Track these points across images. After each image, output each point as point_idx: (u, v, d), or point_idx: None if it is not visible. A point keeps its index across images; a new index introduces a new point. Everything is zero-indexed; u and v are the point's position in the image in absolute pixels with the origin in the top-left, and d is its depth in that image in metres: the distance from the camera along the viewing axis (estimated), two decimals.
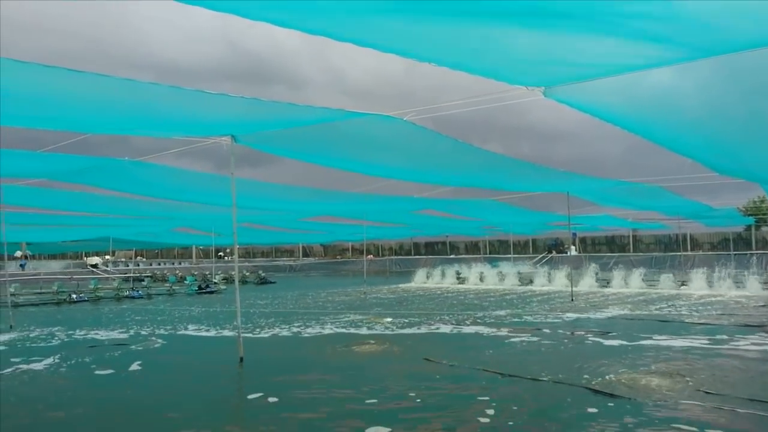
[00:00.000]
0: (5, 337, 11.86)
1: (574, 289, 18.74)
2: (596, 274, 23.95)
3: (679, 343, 9.50)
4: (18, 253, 42.79)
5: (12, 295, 17.02)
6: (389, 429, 5.14)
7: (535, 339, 10.29)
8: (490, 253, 44.62)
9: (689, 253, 33.88)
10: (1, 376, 7.90)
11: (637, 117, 8.08)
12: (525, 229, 35.97)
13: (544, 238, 43.84)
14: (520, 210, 21.95)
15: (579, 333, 10.93)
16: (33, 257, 46.55)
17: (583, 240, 43.39)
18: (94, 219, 21.42)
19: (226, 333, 11.77)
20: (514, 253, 36.42)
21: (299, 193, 14.82)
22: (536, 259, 36.97)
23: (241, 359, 8.52)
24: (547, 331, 11.23)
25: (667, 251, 36.51)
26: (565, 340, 10.15)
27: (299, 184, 14.57)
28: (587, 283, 23.11)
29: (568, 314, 14.07)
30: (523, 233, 41.19)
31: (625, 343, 9.59)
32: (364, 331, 11.67)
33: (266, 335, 11.45)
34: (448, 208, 20.83)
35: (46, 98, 5.78)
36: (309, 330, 11.98)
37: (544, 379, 7.04)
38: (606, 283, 22.99)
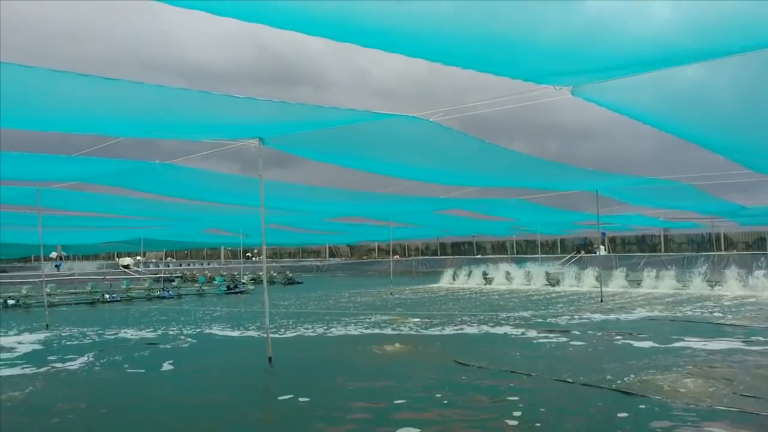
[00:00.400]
0: (41, 335, 12.19)
1: (603, 289, 18.47)
2: (626, 274, 23.56)
3: (712, 345, 9.30)
4: (53, 254, 43.91)
5: (48, 295, 17.47)
6: (419, 430, 5.14)
7: (563, 340, 10.19)
8: (517, 253, 44.25)
9: (723, 252, 33.11)
10: (38, 375, 8.12)
11: (668, 114, 7.94)
12: (553, 228, 35.54)
13: (573, 237, 43.29)
14: (547, 209, 21.72)
15: (608, 334, 10.79)
16: (68, 258, 47.70)
17: (612, 240, 42.70)
18: (126, 221, 21.87)
19: (254, 333, 11.91)
20: (541, 253, 36.08)
21: (326, 195, 14.91)
22: (564, 259, 36.53)
23: (270, 359, 8.61)
24: (576, 332, 11.10)
25: (699, 251, 35.69)
26: (594, 342, 10.03)
27: (325, 184, 14.66)
28: (617, 283, 22.76)
29: (598, 315, 13.89)
30: (550, 233, 40.72)
31: (656, 344, 9.44)
32: (390, 331, 11.70)
33: (293, 335, 11.55)
34: (475, 208, 20.72)
35: (80, 104, 5.94)
36: (336, 330, 12.05)
37: (573, 380, 6.97)
38: (636, 283, 22.61)
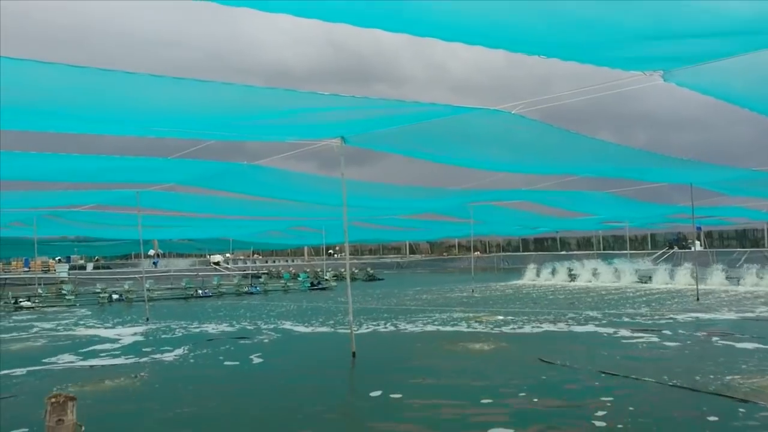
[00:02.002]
0: (143, 328, 13.03)
1: (699, 287, 17.41)
2: (725, 271, 22.07)
3: None
4: (151, 252, 46.80)
5: (147, 290, 18.64)
6: (511, 431, 5.05)
7: (655, 340, 9.70)
8: (604, 249, 42.54)
9: None
10: (141, 364, 8.68)
11: None
12: (643, 223, 33.86)
13: (664, 232, 41.09)
14: (636, 203, 20.69)
15: (705, 334, 10.17)
16: (164, 255, 50.64)
17: (709, 234, 40.07)
18: (216, 221, 22.95)
19: (336, 329, 12.15)
20: (630, 249, 34.48)
21: (406, 192, 14.97)
22: (656, 255, 34.75)
23: (354, 354, 8.76)
24: (669, 332, 10.54)
25: None
26: (689, 342, 9.48)
27: (404, 180, 14.74)
28: (715, 280, 21.37)
29: (693, 314, 13.11)
30: (640, 227, 38.82)
31: (759, 345, 8.79)
32: (473, 328, 11.58)
33: (375, 331, 11.69)
34: (558, 203, 20.08)
35: (172, 108, 6.29)
36: (418, 326, 12.08)
37: (664, 382, 6.62)
38: (736, 281, 21.13)
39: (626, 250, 33.23)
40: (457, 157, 10.75)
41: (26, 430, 5.19)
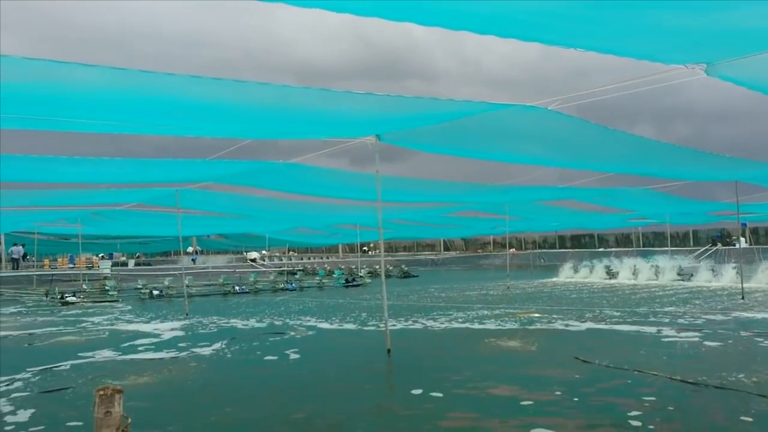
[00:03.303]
0: (183, 323, 13.33)
1: (744, 285, 16.88)
2: None
3: None
4: (190, 249, 47.80)
5: (187, 286, 19.05)
6: (553, 431, 4.98)
7: (697, 339, 9.45)
8: (643, 246, 41.62)
9: None
10: (181, 359, 8.88)
11: None
12: (684, 219, 32.96)
13: (707, 229, 39.94)
14: (677, 199, 20.17)
15: (749, 334, 9.85)
16: (202, 252, 51.68)
17: (755, 230, 38.73)
18: (253, 219, 23.34)
19: (372, 325, 12.20)
20: (671, 246, 33.60)
21: (440, 188, 14.92)
22: (698, 252, 33.81)
23: (389, 351, 8.80)
24: (709, 331, 10.26)
25: None
26: (731, 341, 9.19)
27: (437, 177, 14.67)
28: (761, 279, 20.66)
29: (737, 313, 12.73)
30: (681, 223, 37.80)
31: None
32: (509, 325, 11.49)
33: (410, 327, 11.70)
34: (595, 200, 19.73)
35: (209, 108, 6.42)
36: (452, 323, 12.04)
37: (704, 382, 6.45)
38: None
39: (667, 246, 32.35)
40: (492, 153, 10.67)
41: (80, 423, 5.36)
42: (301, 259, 53.07)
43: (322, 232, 32.87)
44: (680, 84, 7.26)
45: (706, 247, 34.89)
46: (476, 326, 11.60)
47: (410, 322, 12.40)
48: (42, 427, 5.34)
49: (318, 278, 26.77)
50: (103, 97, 5.89)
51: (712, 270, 22.76)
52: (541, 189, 15.81)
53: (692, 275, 23.09)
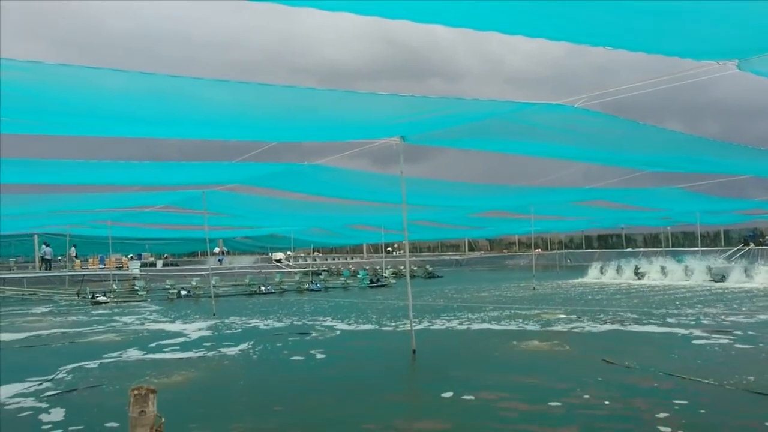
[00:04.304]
0: (210, 323, 13.49)
1: None
2: None
3: None
4: (216, 250, 48.38)
5: (214, 286, 19.29)
6: None
7: (728, 342, 9.22)
8: (673, 246, 40.84)
9: None
10: (209, 358, 8.98)
11: None
12: (715, 218, 32.24)
13: (739, 228, 39.01)
14: (708, 198, 19.75)
15: None
16: (228, 253, 52.26)
17: None
18: (278, 220, 23.54)
19: (396, 325, 12.17)
20: (701, 246, 32.88)
21: (465, 189, 14.85)
22: (730, 252, 33.04)
23: (414, 351, 8.79)
24: (740, 333, 10.01)
25: None
26: (761, 344, 8.94)
27: (462, 178, 14.61)
28: None
29: None
30: (712, 223, 36.98)
31: None
32: (535, 327, 11.37)
33: (435, 328, 11.65)
34: (624, 199, 19.42)
35: (236, 111, 6.49)
36: (478, 324, 11.97)
37: (734, 385, 6.29)
38: None
39: (697, 247, 31.68)
40: (519, 149, 10.54)
41: (116, 424, 5.45)
42: (326, 259, 53.30)
43: (346, 233, 32.96)
44: (711, 81, 7.12)
45: (738, 247, 34.07)
46: (501, 327, 11.51)
47: (435, 323, 12.35)
48: (81, 426, 5.41)
49: (343, 279, 26.86)
50: (132, 102, 5.99)
51: (745, 271, 22.20)
52: (567, 191, 15.62)
53: (724, 276, 22.56)
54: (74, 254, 35.64)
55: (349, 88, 6.05)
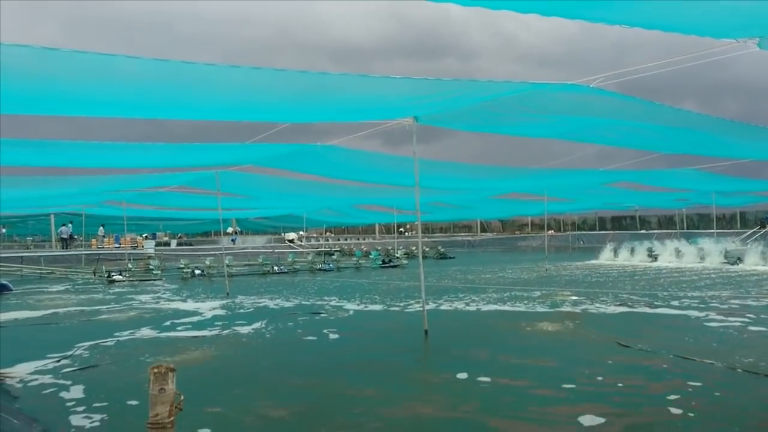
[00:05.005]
0: (223, 302, 13.64)
1: None
2: None
3: None
4: (230, 230, 48.72)
5: (227, 266, 19.45)
6: (603, 419, 4.84)
7: (742, 324, 9.17)
8: (687, 228, 40.49)
9: None
10: (222, 336, 9.10)
11: None
12: (730, 200, 31.85)
13: (756, 210, 38.55)
14: (724, 178, 19.46)
15: None
16: (242, 233, 52.61)
17: None
18: (291, 200, 23.61)
19: (409, 305, 12.23)
20: (717, 228, 32.54)
21: (478, 172, 14.77)
22: (746, 234, 32.68)
23: (426, 332, 8.84)
24: (754, 316, 9.94)
25: None
26: None
27: (475, 159, 14.55)
28: None
29: None
30: (728, 205, 36.56)
31: None
32: (547, 309, 11.38)
33: (445, 308, 11.70)
34: (639, 179, 19.23)
35: (251, 93, 6.47)
36: (489, 305, 11.99)
37: (748, 369, 6.27)
38: None
39: (712, 228, 31.37)
40: (533, 131, 10.45)
41: (137, 402, 5.56)
42: (338, 239, 53.51)
43: (356, 213, 32.98)
44: (729, 59, 6.98)
45: (755, 230, 33.69)
46: (513, 308, 11.53)
47: (445, 303, 12.40)
48: (105, 403, 5.49)
49: (355, 259, 26.98)
50: (148, 86, 6.02)
51: (762, 253, 21.96)
52: (582, 173, 15.49)
53: (740, 259, 22.35)
54: (102, 233, 36.74)
55: (360, 67, 6.06)
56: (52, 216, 35.40)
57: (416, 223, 9.64)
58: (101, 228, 36.46)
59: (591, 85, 7.45)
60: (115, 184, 16.46)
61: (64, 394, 5.88)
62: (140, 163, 12.03)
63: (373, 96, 7.06)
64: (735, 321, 9.51)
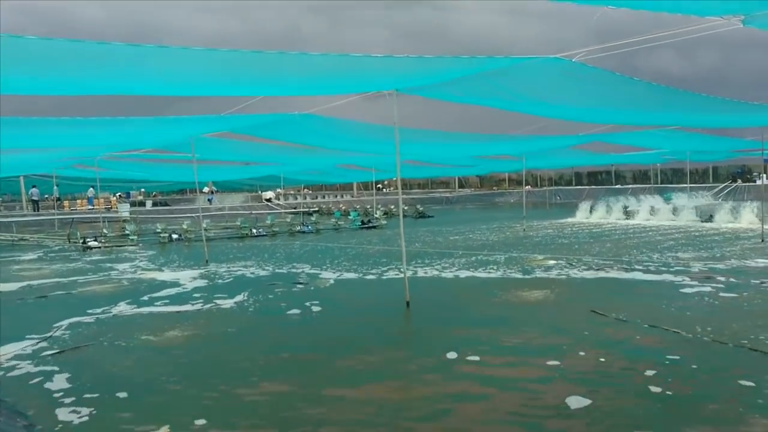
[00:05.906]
0: (203, 270, 13.54)
1: (766, 227, 16.62)
2: None
3: None
4: (206, 189, 48.18)
5: (205, 230, 19.14)
6: (589, 401, 4.94)
7: (712, 290, 9.40)
8: (661, 183, 41.19)
9: None
10: (204, 311, 9.07)
11: None
12: (705, 156, 32.37)
13: (728, 165, 39.29)
14: (701, 137, 19.68)
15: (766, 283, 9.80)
16: (218, 192, 52.07)
17: None
18: (269, 159, 23.27)
19: (388, 271, 12.27)
20: (690, 183, 33.14)
21: (458, 138, 14.70)
22: (717, 189, 33.41)
23: (408, 303, 8.90)
24: (726, 278, 10.21)
25: None
26: (746, 293, 9.08)
27: (455, 122, 14.44)
28: None
29: (758, 260, 12.65)
30: (701, 160, 37.16)
31: None
32: (523, 275, 11.51)
33: (424, 275, 11.78)
34: (616, 140, 19.36)
35: (231, 73, 6.28)
36: (469, 272, 12.08)
37: (722, 340, 6.47)
38: None
39: (686, 183, 31.93)
40: (514, 104, 10.41)
41: (125, 394, 5.51)
42: (316, 197, 53.30)
43: (335, 172, 32.78)
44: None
45: (725, 184, 34.41)
46: (491, 275, 11.63)
47: (425, 269, 12.47)
48: (94, 395, 5.41)
49: (334, 220, 26.94)
50: (125, 67, 5.81)
51: (732, 210, 22.46)
52: (560, 138, 15.53)
53: (711, 216, 22.87)
54: (92, 194, 36.41)
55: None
56: (21, 179, 34.58)
57: (397, 190, 9.56)
58: (91, 189, 35.79)
59: (574, 59, 7.38)
60: (85, 152, 16.00)
61: (48, 385, 5.79)
62: (116, 139, 11.68)
63: (355, 72, 6.90)
64: (710, 286, 9.69)
